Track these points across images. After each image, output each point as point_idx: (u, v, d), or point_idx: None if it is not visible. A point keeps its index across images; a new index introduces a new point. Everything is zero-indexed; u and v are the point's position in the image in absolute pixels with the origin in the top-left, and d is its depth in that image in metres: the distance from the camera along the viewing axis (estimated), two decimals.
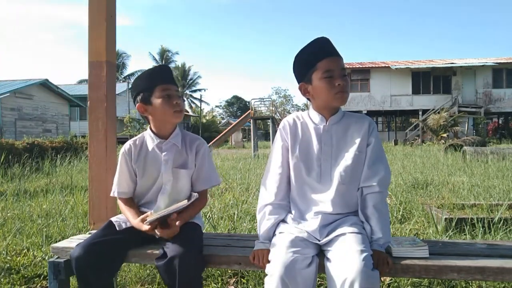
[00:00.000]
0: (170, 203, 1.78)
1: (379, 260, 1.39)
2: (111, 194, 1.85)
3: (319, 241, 1.52)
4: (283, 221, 1.62)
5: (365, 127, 1.60)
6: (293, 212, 1.64)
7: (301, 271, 1.37)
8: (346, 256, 1.34)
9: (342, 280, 1.28)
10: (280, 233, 1.55)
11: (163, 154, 1.79)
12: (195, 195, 1.71)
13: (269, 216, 1.61)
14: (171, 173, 1.78)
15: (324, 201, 1.58)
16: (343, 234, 1.47)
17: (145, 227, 1.63)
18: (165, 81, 1.75)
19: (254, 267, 1.57)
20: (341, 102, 1.57)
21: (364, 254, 1.33)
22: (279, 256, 1.39)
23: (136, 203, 1.85)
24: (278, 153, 1.66)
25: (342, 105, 1.60)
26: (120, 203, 1.85)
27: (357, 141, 1.58)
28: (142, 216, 1.69)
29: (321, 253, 1.51)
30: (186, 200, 1.65)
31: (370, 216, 1.52)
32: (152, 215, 1.65)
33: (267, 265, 1.42)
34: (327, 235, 1.51)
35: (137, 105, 1.78)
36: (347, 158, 1.57)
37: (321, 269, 1.44)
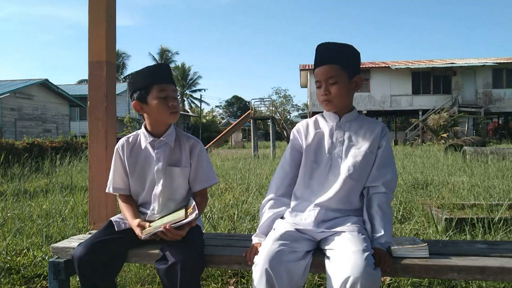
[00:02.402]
0: (163, 202, 1.76)
1: (380, 258, 1.39)
2: (107, 190, 1.84)
3: (316, 234, 1.52)
4: (281, 217, 1.65)
5: (378, 129, 1.64)
6: (292, 204, 1.66)
7: (287, 264, 1.38)
8: (348, 256, 1.34)
9: (344, 279, 1.28)
10: (274, 229, 1.58)
11: (155, 152, 1.78)
12: (193, 204, 1.68)
13: (269, 210, 1.66)
14: (164, 172, 1.76)
15: (328, 194, 1.59)
16: (343, 232, 1.48)
17: (141, 236, 1.62)
18: (163, 80, 1.73)
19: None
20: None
21: (366, 254, 1.33)
22: (265, 247, 1.42)
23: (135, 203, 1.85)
24: (288, 153, 1.74)
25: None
26: (119, 201, 1.85)
27: (370, 140, 1.62)
28: (139, 222, 1.67)
29: (320, 252, 1.51)
30: (184, 215, 1.63)
31: (373, 215, 1.53)
32: (148, 229, 1.62)
33: (255, 256, 1.44)
34: (325, 229, 1.52)
35: (133, 102, 1.76)
36: (358, 154, 1.60)
37: (321, 268, 1.44)
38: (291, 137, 1.78)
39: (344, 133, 1.66)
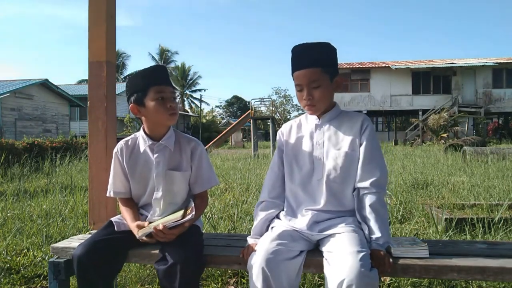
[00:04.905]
0: (165, 206, 1.76)
1: (379, 259, 1.39)
2: (107, 194, 1.84)
3: (311, 235, 1.53)
4: (277, 217, 1.65)
5: (358, 125, 1.58)
6: (285, 209, 1.66)
7: (283, 262, 1.38)
8: (343, 257, 1.33)
9: (339, 281, 1.27)
10: (272, 227, 1.60)
11: (155, 156, 1.75)
12: (192, 206, 1.68)
13: (261, 212, 1.66)
14: (164, 176, 1.75)
15: (316, 198, 1.59)
16: (339, 233, 1.47)
17: (140, 237, 1.63)
18: (160, 82, 1.70)
19: None
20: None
21: (361, 255, 1.32)
22: (262, 247, 1.42)
23: (136, 204, 1.85)
24: (276, 155, 1.74)
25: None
26: (119, 204, 1.84)
27: (349, 139, 1.57)
28: (138, 223, 1.67)
29: (319, 253, 1.51)
30: (181, 215, 1.63)
31: (367, 217, 1.51)
32: (144, 228, 1.63)
33: (251, 255, 1.44)
34: (320, 232, 1.52)
35: (130, 105, 1.74)
36: (338, 156, 1.57)
37: (321, 269, 1.44)
38: (277, 138, 1.77)
39: (324, 134, 1.62)
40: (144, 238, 1.63)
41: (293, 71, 1.60)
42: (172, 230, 1.59)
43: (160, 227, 1.57)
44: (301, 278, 1.49)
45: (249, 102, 32.11)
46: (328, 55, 1.59)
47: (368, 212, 1.51)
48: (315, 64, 1.54)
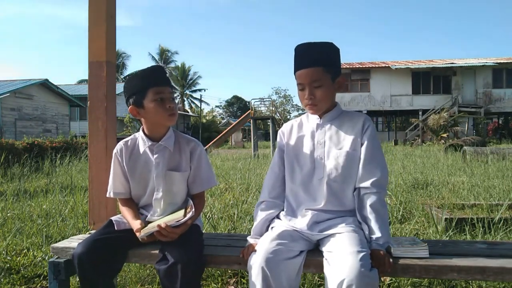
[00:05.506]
0: (165, 207, 1.76)
1: (379, 259, 1.39)
2: (107, 195, 1.84)
3: (311, 235, 1.53)
4: (277, 217, 1.65)
5: (359, 125, 1.58)
6: (285, 209, 1.66)
7: (283, 262, 1.39)
8: (343, 257, 1.33)
9: (339, 281, 1.27)
10: (271, 228, 1.60)
11: (155, 156, 1.75)
12: (191, 204, 1.68)
13: (261, 212, 1.66)
14: (164, 176, 1.75)
15: (316, 198, 1.59)
16: (339, 233, 1.47)
17: (140, 237, 1.63)
18: (158, 83, 1.70)
19: None
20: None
21: (361, 255, 1.32)
22: (262, 246, 1.42)
23: (136, 204, 1.85)
24: (277, 155, 1.74)
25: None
26: (119, 204, 1.84)
27: (350, 139, 1.57)
28: (139, 226, 1.67)
29: (319, 252, 1.51)
30: (183, 214, 1.63)
31: (367, 217, 1.51)
32: (147, 228, 1.63)
33: (251, 254, 1.45)
34: (320, 232, 1.52)
35: (129, 107, 1.73)
36: (340, 155, 1.57)
37: (321, 268, 1.44)
38: (277, 138, 1.77)
39: (325, 133, 1.62)
40: (145, 238, 1.63)
41: (295, 70, 1.60)
42: (175, 229, 1.59)
43: (163, 226, 1.57)
44: (301, 278, 1.49)
45: (249, 102, 32.15)
46: (330, 55, 1.59)
47: (368, 212, 1.51)
48: (317, 64, 1.55)
